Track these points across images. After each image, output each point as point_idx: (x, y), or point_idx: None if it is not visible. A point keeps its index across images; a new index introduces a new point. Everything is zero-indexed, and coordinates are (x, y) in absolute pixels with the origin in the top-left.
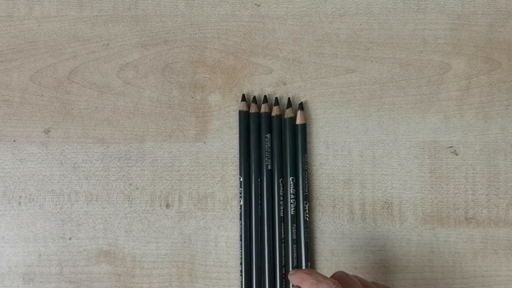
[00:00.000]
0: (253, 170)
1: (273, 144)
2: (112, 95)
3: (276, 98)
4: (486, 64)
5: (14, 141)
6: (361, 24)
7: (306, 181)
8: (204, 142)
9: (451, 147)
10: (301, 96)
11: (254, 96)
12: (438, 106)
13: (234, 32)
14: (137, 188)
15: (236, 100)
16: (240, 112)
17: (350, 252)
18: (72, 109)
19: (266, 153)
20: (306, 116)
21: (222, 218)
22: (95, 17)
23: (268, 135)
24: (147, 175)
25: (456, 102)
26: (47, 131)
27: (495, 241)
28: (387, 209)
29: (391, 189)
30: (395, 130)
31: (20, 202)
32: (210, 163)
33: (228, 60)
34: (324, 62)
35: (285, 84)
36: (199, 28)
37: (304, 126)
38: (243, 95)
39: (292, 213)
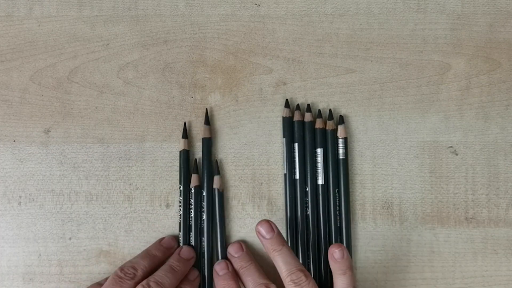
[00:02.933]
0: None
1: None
2: (112, 95)
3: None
4: (486, 64)
5: (14, 141)
6: (361, 24)
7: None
8: None
9: (451, 147)
10: (301, 96)
11: (298, 104)
12: (438, 106)
13: (234, 32)
14: (137, 188)
15: (236, 100)
16: (284, 118)
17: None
18: (72, 109)
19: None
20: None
21: None
22: (95, 17)
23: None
24: (147, 175)
25: (456, 102)
26: (47, 131)
27: (495, 241)
28: (387, 209)
29: (391, 189)
30: (395, 130)
31: (20, 202)
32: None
33: (228, 60)
34: (324, 62)
35: (285, 84)
36: (199, 28)
37: (345, 139)
38: (287, 100)
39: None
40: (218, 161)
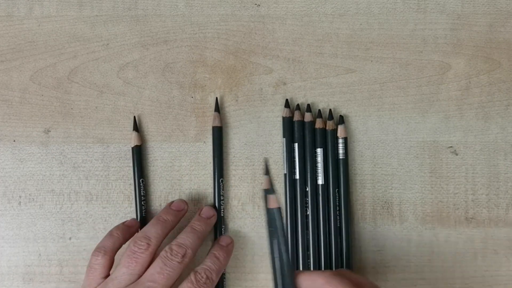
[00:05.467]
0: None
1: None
2: (112, 95)
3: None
4: (486, 64)
5: (14, 141)
6: (361, 24)
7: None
8: (204, 142)
9: (451, 147)
10: (301, 96)
11: (298, 104)
12: (438, 106)
13: (234, 32)
14: None
15: (236, 100)
16: (284, 118)
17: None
18: (72, 109)
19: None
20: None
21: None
22: (95, 17)
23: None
24: (147, 175)
25: (456, 102)
26: (47, 131)
27: (495, 241)
28: (387, 209)
29: (391, 189)
30: (395, 130)
31: (20, 202)
32: (210, 163)
33: (228, 60)
34: (324, 62)
35: (285, 84)
36: (199, 28)
37: (345, 139)
38: (287, 100)
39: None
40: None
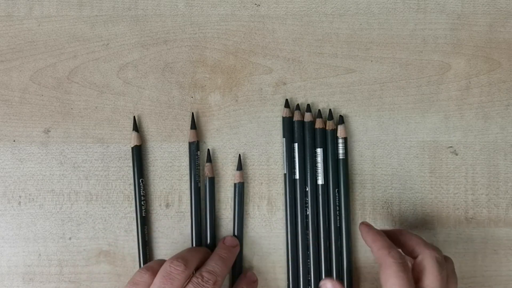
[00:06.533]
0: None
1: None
2: (112, 95)
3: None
4: (486, 64)
5: (14, 141)
6: (361, 24)
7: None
8: (204, 142)
9: (451, 147)
10: (301, 96)
11: (298, 104)
12: (438, 106)
13: (234, 32)
14: None
15: (236, 100)
16: (284, 118)
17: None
18: (72, 109)
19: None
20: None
21: (222, 218)
22: (95, 17)
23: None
24: (147, 175)
25: (456, 102)
26: (47, 131)
27: (495, 241)
28: (387, 209)
29: (391, 189)
30: (395, 130)
31: (20, 202)
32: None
33: (228, 60)
34: (324, 62)
35: (285, 84)
36: (199, 28)
37: (345, 139)
38: (287, 100)
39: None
40: (210, 150)
